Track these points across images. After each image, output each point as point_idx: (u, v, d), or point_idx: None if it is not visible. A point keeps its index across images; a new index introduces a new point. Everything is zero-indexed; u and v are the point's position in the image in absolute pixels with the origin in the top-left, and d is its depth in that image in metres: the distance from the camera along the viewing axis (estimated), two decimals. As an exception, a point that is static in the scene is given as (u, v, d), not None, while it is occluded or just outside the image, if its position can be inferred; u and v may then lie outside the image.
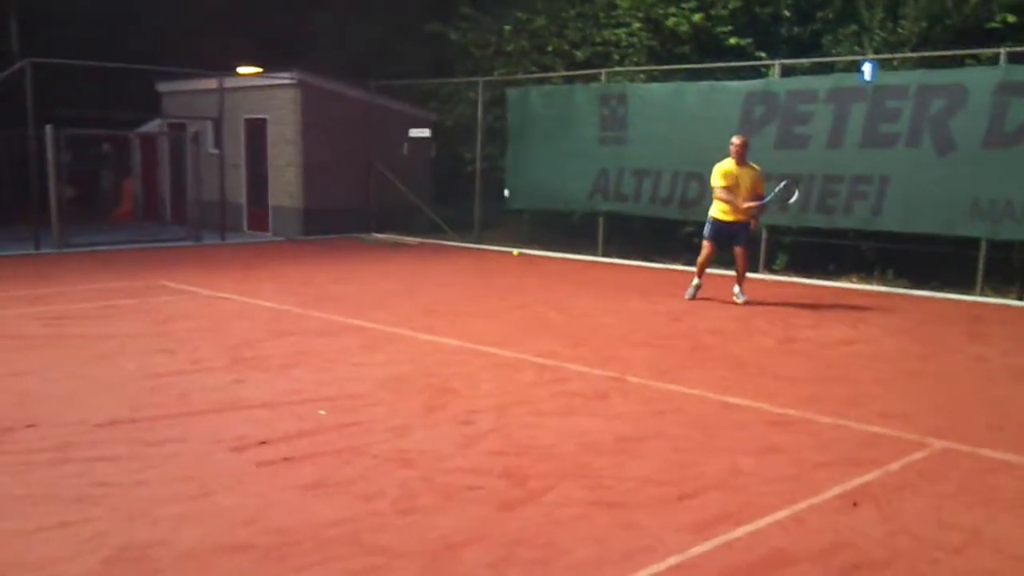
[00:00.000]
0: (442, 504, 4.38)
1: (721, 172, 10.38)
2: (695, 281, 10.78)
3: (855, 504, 4.43)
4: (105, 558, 3.76)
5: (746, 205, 10.28)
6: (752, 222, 10.53)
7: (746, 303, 10.42)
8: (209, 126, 18.45)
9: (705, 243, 10.65)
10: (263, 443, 5.22)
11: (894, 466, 5.00)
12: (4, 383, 6.55)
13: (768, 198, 10.43)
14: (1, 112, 20.18)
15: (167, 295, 10.65)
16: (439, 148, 18.94)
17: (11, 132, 18.89)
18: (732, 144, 10.42)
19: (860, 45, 13.32)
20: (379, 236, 18.07)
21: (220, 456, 5.04)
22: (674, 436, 5.52)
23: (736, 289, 10.61)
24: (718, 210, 10.50)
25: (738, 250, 10.51)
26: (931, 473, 4.92)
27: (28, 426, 5.49)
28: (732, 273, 10.84)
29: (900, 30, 12.94)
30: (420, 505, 4.36)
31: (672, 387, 6.69)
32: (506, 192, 16.70)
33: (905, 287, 11.95)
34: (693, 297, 10.70)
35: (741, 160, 10.37)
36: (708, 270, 10.91)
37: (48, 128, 15.10)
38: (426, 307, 10.08)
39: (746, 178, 10.35)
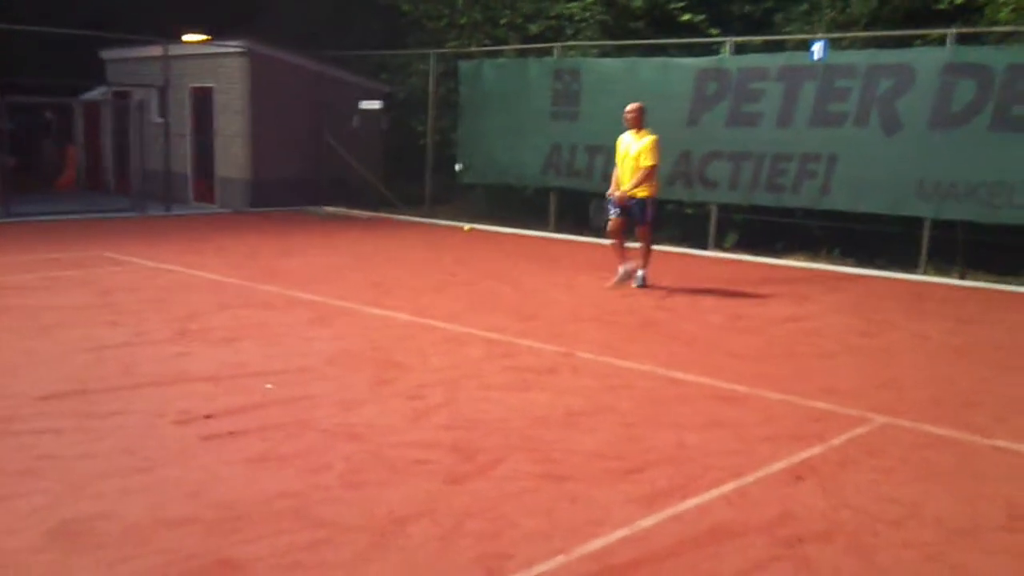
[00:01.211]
0: (390, 478, 4.36)
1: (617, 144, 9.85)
2: (619, 268, 9.85)
3: (799, 478, 4.50)
4: (49, 530, 3.70)
5: (619, 193, 9.54)
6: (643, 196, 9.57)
7: (641, 287, 9.70)
8: (154, 94, 18.05)
9: (609, 218, 9.93)
10: (208, 416, 5.15)
11: (837, 441, 5.09)
12: (-60, 355, 6.38)
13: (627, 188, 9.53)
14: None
15: (111, 266, 10.45)
16: (391, 121, 18.76)
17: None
18: (625, 112, 9.68)
19: (811, 24, 13.44)
20: (328, 209, 17.89)
21: (165, 429, 4.96)
22: (623, 411, 5.55)
23: (640, 270, 9.83)
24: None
25: (636, 231, 9.80)
26: (873, 448, 5.01)
27: (-34, 399, 5.36)
28: (676, 250, 10.80)
29: (850, 10, 13.06)
30: (368, 479, 4.34)
31: (621, 363, 6.73)
32: (457, 166, 16.61)
33: (851, 266, 12.13)
34: (620, 284, 9.82)
35: (635, 129, 9.59)
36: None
37: (-13, 94, 14.70)
38: (375, 281, 10.01)
39: (633, 149, 9.52)
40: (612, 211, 9.78)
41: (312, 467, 4.46)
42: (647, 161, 9.40)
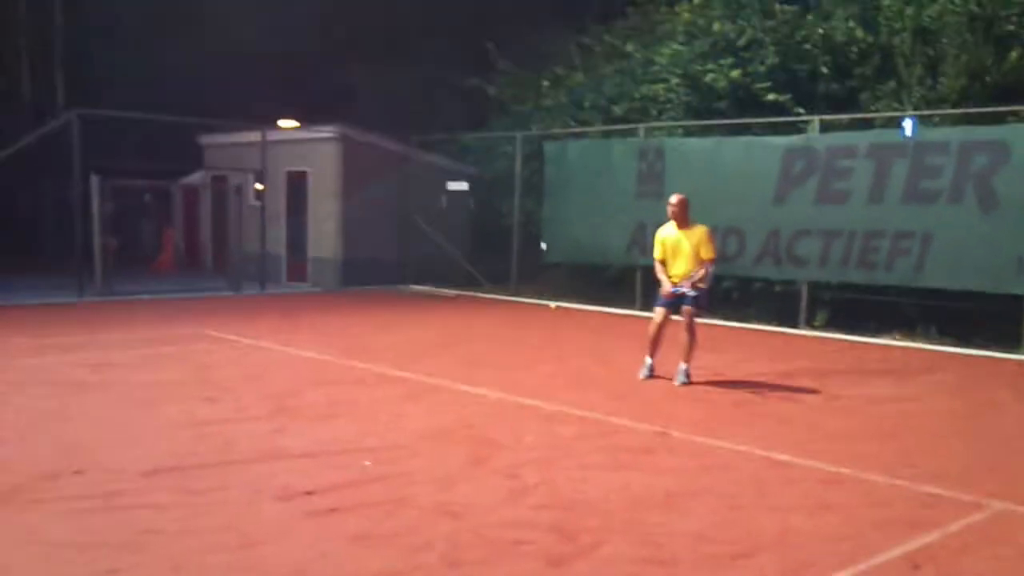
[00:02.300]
0: (491, 558, 4.31)
1: (657, 240, 9.18)
2: (647, 360, 9.14)
3: (916, 567, 4.31)
4: (154, 607, 3.74)
5: (674, 290, 8.90)
6: (700, 287, 8.94)
7: (684, 384, 8.76)
8: (251, 178, 18.70)
9: (656, 310, 9.18)
10: (309, 493, 5.18)
11: (953, 527, 4.87)
12: (51, 429, 6.59)
13: (692, 282, 8.85)
14: (48, 162, 20.66)
15: (208, 343, 10.72)
16: (477, 201, 19.07)
17: (58, 182, 19.35)
18: (668, 205, 9.05)
19: (899, 101, 13.32)
20: (416, 288, 18.14)
21: (265, 506, 5.01)
22: (723, 492, 5.42)
23: (682, 364, 8.91)
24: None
25: (683, 310, 8.93)
26: (991, 535, 4.78)
27: (75, 472, 5.50)
28: (766, 328, 10.55)
29: (939, 87, 12.92)
30: (468, 558, 4.30)
31: (718, 443, 6.59)
32: (543, 245, 16.73)
33: (949, 345, 11.77)
34: (649, 376, 9.08)
35: (681, 222, 8.98)
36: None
37: (93, 178, 15.38)
38: (465, 359, 10.05)
39: (686, 243, 8.91)
40: (661, 303, 9.06)
41: (413, 546, 4.43)
42: (711, 254, 8.93)
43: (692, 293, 8.83)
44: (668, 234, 9.06)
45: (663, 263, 9.09)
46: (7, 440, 6.25)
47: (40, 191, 24.53)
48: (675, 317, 9.01)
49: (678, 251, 8.98)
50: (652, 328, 9.09)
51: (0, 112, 22.46)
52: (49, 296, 14.95)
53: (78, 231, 15.32)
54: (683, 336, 8.87)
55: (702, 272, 8.88)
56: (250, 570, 4.12)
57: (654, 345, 9.12)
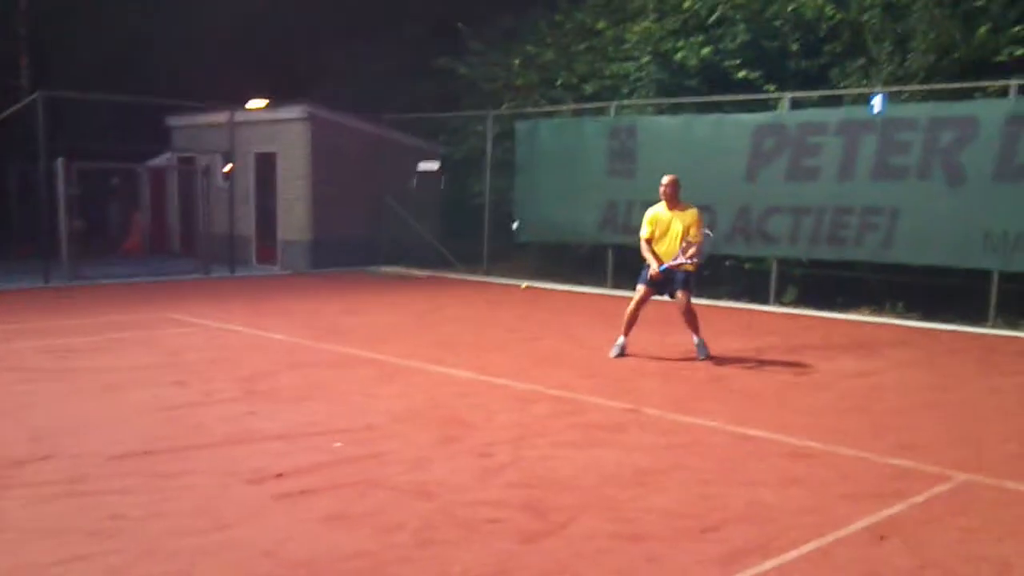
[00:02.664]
0: (463, 537, 4.32)
1: (647, 220, 9.12)
2: (620, 339, 9.16)
3: (882, 537, 4.36)
4: (123, 592, 3.71)
5: (662, 268, 8.85)
6: (689, 265, 8.93)
7: (709, 358, 8.93)
8: (219, 159, 18.52)
9: (639, 287, 9.14)
10: (280, 475, 5.16)
11: (918, 499, 4.93)
12: (17, 415, 6.51)
13: (685, 257, 8.82)
14: (12, 145, 20.35)
15: (177, 327, 10.63)
16: (448, 181, 18.99)
17: (22, 165, 19.07)
18: (661, 185, 9.00)
19: (868, 78, 13.38)
20: (387, 269, 18.07)
21: (236, 488, 4.98)
22: (694, 468, 5.45)
23: (695, 339, 9.11)
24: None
25: (678, 295, 8.98)
26: (956, 506, 4.85)
27: (42, 458, 5.44)
28: (736, 305, 10.68)
29: (907, 64, 12.99)
30: (441, 538, 4.30)
31: (689, 419, 6.63)
32: (515, 225, 16.71)
33: (917, 320, 11.90)
34: (620, 355, 9.06)
35: (672, 202, 8.97)
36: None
37: (58, 161, 15.16)
38: (437, 339, 10.04)
39: (677, 223, 8.89)
40: (644, 280, 9.05)
41: (385, 526, 4.43)
42: (699, 237, 8.89)
43: (685, 262, 8.80)
44: (659, 213, 9.03)
45: (649, 242, 9.06)
46: (-28, 427, 6.17)
47: (4, 174, 24.15)
48: (656, 298, 9.06)
49: (667, 231, 8.96)
50: (631, 306, 9.10)
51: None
52: (15, 281, 14.74)
53: (44, 215, 15.11)
54: (685, 319, 9.02)
55: (693, 249, 8.81)
56: (222, 553, 4.10)
57: (630, 324, 9.13)
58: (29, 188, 18.09)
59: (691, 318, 9.04)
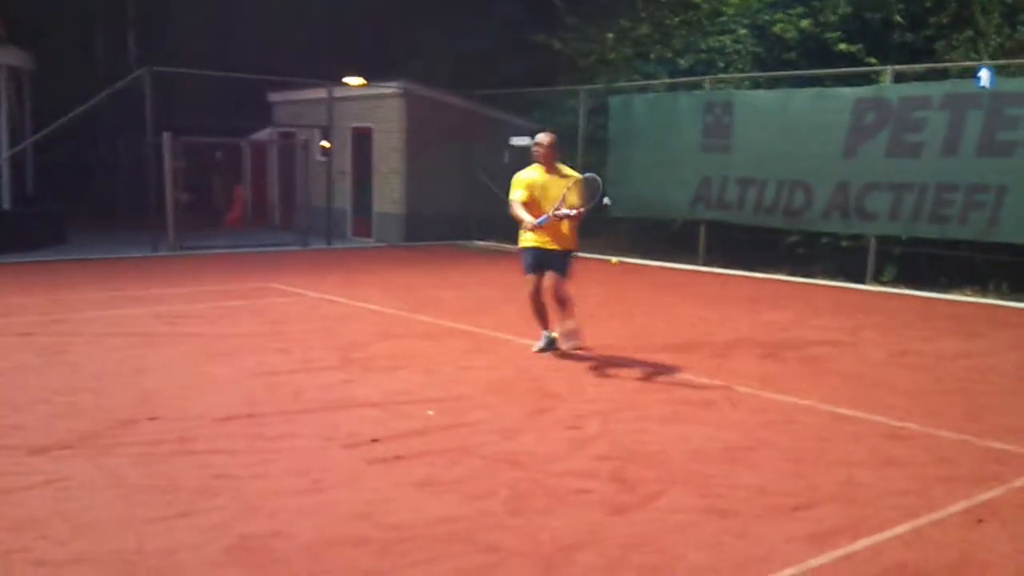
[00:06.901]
0: (553, 506, 4.39)
1: (519, 182, 7.74)
2: (544, 333, 8.06)
3: (980, 521, 4.28)
4: (227, 547, 3.87)
5: (540, 220, 7.47)
6: (567, 241, 7.81)
7: (576, 349, 7.91)
8: (318, 134, 18.90)
9: (527, 278, 7.94)
10: (375, 441, 5.32)
11: (1018, 483, 4.81)
12: (128, 378, 6.82)
13: (559, 211, 7.49)
14: (121, 119, 21.13)
15: (279, 296, 10.95)
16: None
17: (132, 140, 19.81)
18: (536, 145, 7.79)
19: (976, 51, 12.90)
20: (479, 243, 18.22)
21: (334, 452, 5.15)
22: (786, 447, 5.42)
23: (558, 329, 8.00)
24: (521, 235, 7.84)
25: (546, 280, 7.79)
26: (1060, 492, 4.72)
27: (151, 419, 5.70)
28: (832, 284, 10.41)
29: (1018, 35, 12.48)
30: (531, 506, 4.38)
31: (782, 397, 6.57)
32: (606, 200, 16.61)
33: (1022, 301, 11.49)
34: (543, 350, 8.00)
35: (549, 166, 7.74)
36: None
37: (165, 135, 15.69)
38: (528, 313, 10.07)
39: (554, 189, 7.61)
40: (528, 269, 7.89)
41: (476, 493, 4.53)
42: (582, 204, 7.61)
43: (568, 213, 7.48)
44: (535, 178, 7.73)
45: (524, 205, 7.66)
46: (85, 388, 6.49)
47: (115, 148, 25.09)
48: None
49: (546, 197, 7.62)
50: (530, 301, 7.95)
51: (74, 71, 22.93)
52: (124, 251, 15.39)
53: (152, 187, 15.69)
54: (557, 304, 7.86)
55: (574, 212, 7.51)
56: (318, 513, 4.25)
57: (541, 314, 8.01)
58: (138, 162, 18.76)
59: (561, 303, 7.86)
